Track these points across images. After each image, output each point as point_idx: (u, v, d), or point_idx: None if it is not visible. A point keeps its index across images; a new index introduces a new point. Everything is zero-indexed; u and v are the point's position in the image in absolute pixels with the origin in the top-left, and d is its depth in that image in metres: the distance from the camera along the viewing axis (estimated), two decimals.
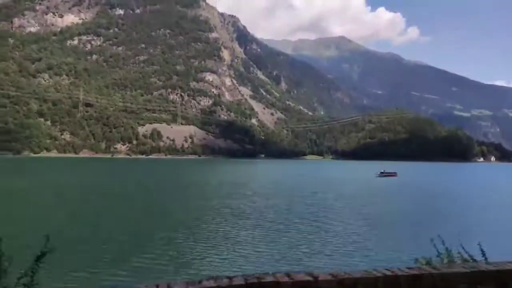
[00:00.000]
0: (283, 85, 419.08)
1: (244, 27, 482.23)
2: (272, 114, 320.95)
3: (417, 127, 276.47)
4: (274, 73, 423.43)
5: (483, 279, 2.46)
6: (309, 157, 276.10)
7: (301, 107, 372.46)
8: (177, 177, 78.92)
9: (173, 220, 27.08)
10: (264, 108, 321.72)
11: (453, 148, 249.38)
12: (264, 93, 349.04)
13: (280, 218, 27.69)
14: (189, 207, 33.74)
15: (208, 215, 28.89)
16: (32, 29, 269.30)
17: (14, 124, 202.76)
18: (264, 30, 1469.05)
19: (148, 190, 49.54)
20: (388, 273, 2.47)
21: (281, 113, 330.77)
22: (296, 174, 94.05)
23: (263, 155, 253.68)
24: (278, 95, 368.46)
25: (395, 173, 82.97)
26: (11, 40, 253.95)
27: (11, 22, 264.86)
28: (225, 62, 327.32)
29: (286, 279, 2.31)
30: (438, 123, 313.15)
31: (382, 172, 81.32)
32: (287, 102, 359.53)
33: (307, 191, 48.28)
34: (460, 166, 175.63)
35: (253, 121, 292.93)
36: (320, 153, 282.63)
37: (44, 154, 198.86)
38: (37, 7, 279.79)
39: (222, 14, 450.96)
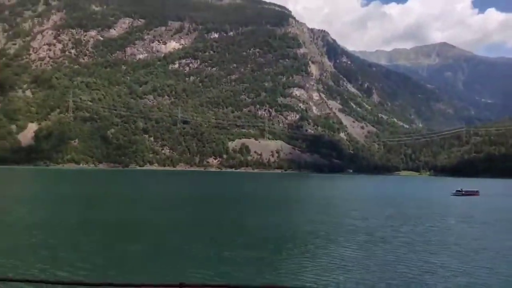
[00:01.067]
0: (375, 97, 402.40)
1: (334, 40, 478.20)
2: (362, 127, 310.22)
3: None
4: (366, 85, 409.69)
5: None
6: (403, 173, 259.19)
7: (395, 120, 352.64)
8: (274, 191, 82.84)
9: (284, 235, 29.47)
10: (353, 122, 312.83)
11: None
12: (354, 106, 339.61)
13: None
14: (300, 222, 37.02)
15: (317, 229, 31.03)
16: (141, 56, 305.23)
17: (123, 141, 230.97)
18: (356, 42, 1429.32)
19: (256, 204, 53.81)
20: None
21: (373, 126, 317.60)
22: (391, 191, 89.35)
23: (351, 170, 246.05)
24: (369, 108, 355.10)
25: (476, 191, 74.33)
26: (123, 67, 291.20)
27: (124, 51, 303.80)
28: (313, 77, 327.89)
29: None
30: None
31: (459, 190, 73.48)
32: (380, 115, 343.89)
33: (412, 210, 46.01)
34: None
35: (342, 135, 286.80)
36: (416, 169, 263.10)
37: (147, 167, 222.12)
38: (145, 37, 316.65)
39: (311, 30, 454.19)
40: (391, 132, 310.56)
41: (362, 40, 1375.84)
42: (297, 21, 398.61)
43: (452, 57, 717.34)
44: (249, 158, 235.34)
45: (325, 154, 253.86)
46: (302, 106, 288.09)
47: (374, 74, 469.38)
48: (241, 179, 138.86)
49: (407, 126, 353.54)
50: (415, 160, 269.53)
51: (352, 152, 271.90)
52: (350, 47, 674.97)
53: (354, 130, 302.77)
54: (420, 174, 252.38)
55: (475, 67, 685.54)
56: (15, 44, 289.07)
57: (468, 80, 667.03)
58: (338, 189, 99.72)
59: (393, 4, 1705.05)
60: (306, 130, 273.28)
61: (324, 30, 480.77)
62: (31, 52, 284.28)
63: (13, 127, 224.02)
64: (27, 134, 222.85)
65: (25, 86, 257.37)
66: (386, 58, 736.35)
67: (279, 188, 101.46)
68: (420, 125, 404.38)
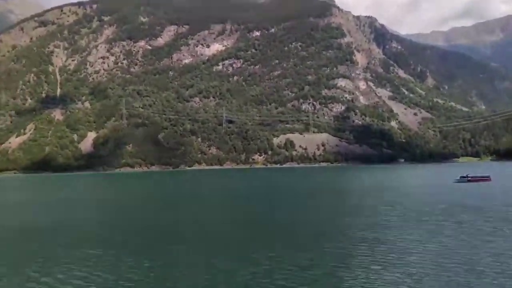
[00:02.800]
0: (430, 81, 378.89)
1: (383, 26, 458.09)
2: (415, 114, 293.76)
3: None
4: (419, 70, 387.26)
5: None
6: (462, 159, 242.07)
7: (453, 104, 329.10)
8: (326, 184, 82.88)
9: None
10: (405, 109, 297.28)
11: None
12: (406, 93, 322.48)
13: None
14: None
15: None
16: (187, 61, 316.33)
17: (173, 143, 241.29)
18: (409, 25, 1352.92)
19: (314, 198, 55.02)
20: None
21: (427, 112, 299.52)
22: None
23: (403, 160, 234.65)
24: (423, 93, 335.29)
25: (488, 177, 66.71)
26: (171, 73, 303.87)
27: (171, 57, 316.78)
28: (359, 66, 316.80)
29: None
30: None
31: (463, 177, 66.08)
32: (435, 100, 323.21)
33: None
34: None
35: (392, 123, 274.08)
36: (476, 155, 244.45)
37: (196, 167, 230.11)
38: (190, 42, 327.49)
39: (357, 17, 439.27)
40: (447, 117, 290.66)
41: (416, 22, 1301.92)
42: (341, 10, 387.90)
43: None
44: (294, 153, 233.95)
45: (374, 144, 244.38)
46: (348, 97, 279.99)
47: (429, 57, 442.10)
48: (292, 174, 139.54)
49: (467, 110, 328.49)
50: (474, 145, 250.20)
51: (404, 140, 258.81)
52: (403, 31, 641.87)
53: (406, 117, 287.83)
54: (481, 159, 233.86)
55: None
56: (74, 60, 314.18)
57: None
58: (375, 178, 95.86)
59: None
60: (353, 121, 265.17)
61: (371, 16, 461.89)
62: (87, 66, 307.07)
63: (75, 136, 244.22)
64: (87, 142, 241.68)
65: (83, 98, 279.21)
66: (443, 38, 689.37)
67: (340, 179, 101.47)
68: (483, 107, 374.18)
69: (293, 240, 25.60)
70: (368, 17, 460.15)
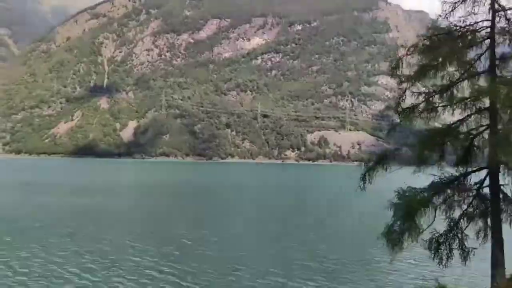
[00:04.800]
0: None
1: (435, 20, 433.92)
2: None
3: None
4: None
5: None
6: None
7: None
8: None
9: None
10: None
11: None
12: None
13: None
14: None
15: None
16: (227, 55, 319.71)
17: (208, 135, 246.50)
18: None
19: None
20: None
21: None
22: None
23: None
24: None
25: None
26: (211, 66, 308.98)
27: (212, 51, 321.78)
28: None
29: None
30: None
31: None
32: None
33: None
34: None
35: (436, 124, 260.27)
36: None
37: (229, 160, 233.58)
38: (231, 35, 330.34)
39: (407, 12, 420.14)
40: None
41: None
42: (389, 3, 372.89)
43: None
44: (327, 150, 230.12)
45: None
46: (388, 95, 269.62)
47: None
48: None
49: None
50: None
51: None
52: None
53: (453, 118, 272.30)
54: None
55: None
56: (121, 52, 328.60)
57: None
58: None
59: None
60: (393, 120, 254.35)
61: (422, 11, 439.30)
62: (133, 58, 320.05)
63: (117, 124, 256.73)
64: (128, 131, 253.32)
65: (128, 88, 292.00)
66: None
67: None
68: None
69: None
70: (419, 11, 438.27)
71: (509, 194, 9.72)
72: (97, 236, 27.34)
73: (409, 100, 11.08)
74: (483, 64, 10.36)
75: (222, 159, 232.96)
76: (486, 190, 10.07)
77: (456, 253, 9.83)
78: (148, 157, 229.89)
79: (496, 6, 9.83)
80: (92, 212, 38.64)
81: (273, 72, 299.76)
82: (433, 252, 9.88)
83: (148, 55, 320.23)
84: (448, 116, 10.95)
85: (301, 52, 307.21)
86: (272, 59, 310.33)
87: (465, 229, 10.09)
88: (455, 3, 10.04)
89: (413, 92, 10.79)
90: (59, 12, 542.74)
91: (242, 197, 57.64)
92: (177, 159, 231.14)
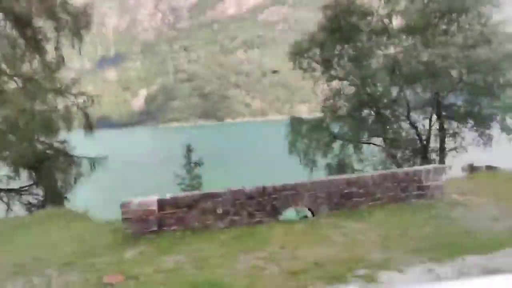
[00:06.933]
0: None
1: None
2: None
3: None
4: None
5: None
6: None
7: None
8: None
9: None
10: None
11: None
12: None
13: None
14: None
15: None
16: (231, 11, 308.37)
17: (218, 96, 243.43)
18: None
19: None
20: None
21: None
22: None
23: None
24: None
25: None
26: (215, 25, 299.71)
27: (215, 9, 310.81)
28: None
29: None
30: None
31: None
32: None
33: None
34: None
35: None
36: None
37: (240, 119, 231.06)
38: None
39: None
40: None
41: None
42: None
43: None
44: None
45: None
46: None
47: None
48: None
49: None
50: None
51: None
52: None
53: None
54: None
55: None
56: (124, 20, 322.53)
57: None
58: None
59: None
60: None
61: None
62: (137, 25, 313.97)
63: (127, 94, 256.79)
64: (138, 99, 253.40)
65: (134, 57, 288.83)
66: None
67: None
68: None
69: None
70: None
71: None
72: None
73: None
74: None
75: (233, 119, 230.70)
76: None
77: None
78: (160, 124, 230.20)
79: None
80: None
81: (281, 25, 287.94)
82: None
83: (151, 20, 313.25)
84: None
85: (309, 2, 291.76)
86: (278, 11, 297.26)
87: None
88: None
89: None
90: None
91: None
92: (188, 124, 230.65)
